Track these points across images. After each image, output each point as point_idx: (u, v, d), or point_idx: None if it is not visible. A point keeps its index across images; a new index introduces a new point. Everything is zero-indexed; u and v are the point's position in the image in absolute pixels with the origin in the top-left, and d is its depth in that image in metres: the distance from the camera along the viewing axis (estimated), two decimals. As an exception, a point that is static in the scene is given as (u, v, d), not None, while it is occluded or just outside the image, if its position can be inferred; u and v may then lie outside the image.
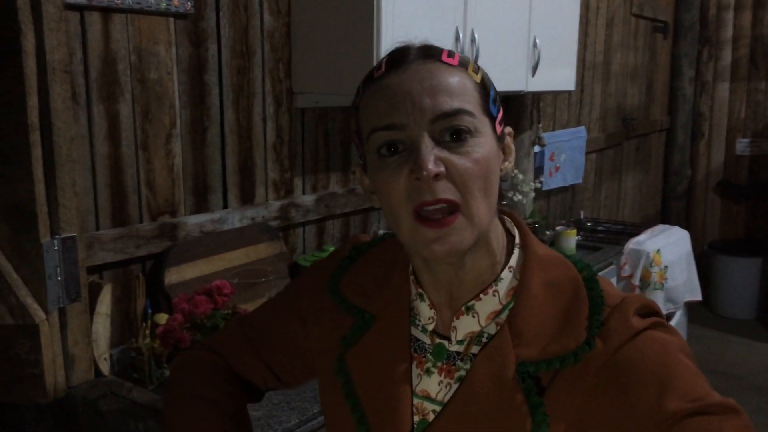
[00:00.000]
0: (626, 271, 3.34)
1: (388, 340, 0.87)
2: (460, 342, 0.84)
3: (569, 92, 3.88)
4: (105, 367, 1.05)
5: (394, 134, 0.77)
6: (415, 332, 0.87)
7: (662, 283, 3.36)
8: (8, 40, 0.90)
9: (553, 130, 3.80)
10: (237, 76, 2.09)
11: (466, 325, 0.83)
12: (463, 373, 0.82)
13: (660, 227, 3.73)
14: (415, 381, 0.85)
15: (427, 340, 0.86)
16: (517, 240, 0.87)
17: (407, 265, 0.90)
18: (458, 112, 0.76)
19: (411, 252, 0.85)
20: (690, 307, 4.53)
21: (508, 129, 0.86)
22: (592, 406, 0.75)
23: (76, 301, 1.03)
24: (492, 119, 0.82)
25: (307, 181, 2.37)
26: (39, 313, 0.97)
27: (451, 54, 0.81)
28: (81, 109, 1.70)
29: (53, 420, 1.06)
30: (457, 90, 0.78)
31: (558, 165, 3.76)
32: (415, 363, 0.86)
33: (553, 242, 3.07)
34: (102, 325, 1.05)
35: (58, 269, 0.99)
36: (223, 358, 0.97)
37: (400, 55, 0.81)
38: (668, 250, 3.45)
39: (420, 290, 0.87)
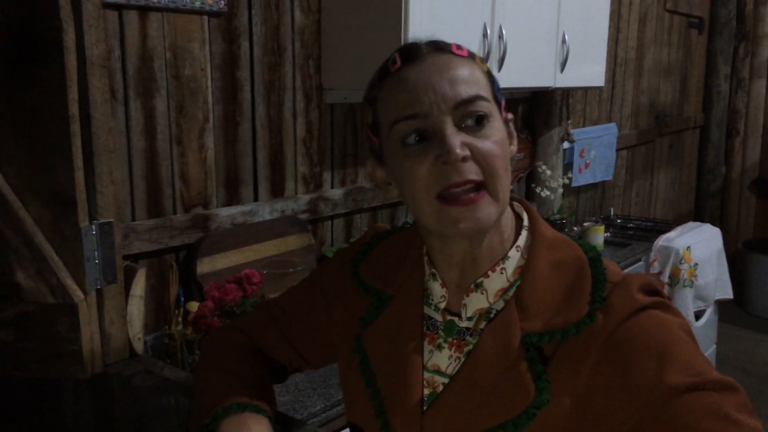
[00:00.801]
0: (655, 268, 3.33)
1: (402, 318, 0.92)
2: (470, 318, 0.88)
3: (600, 88, 3.87)
4: (139, 347, 1.11)
5: (418, 123, 0.81)
6: (428, 311, 0.92)
7: (692, 281, 3.34)
8: (50, 37, 0.96)
9: (584, 126, 3.79)
10: (268, 73, 2.14)
11: (475, 302, 0.88)
12: (471, 347, 0.87)
13: (691, 224, 3.70)
14: (426, 356, 0.90)
15: (438, 317, 0.91)
16: (525, 222, 0.91)
17: (421, 247, 0.95)
18: (476, 99, 0.82)
19: (431, 232, 0.89)
20: (722, 305, 4.49)
21: (510, 115, 0.91)
22: (595, 380, 0.79)
23: (113, 283, 1.09)
24: (499, 106, 0.87)
25: (335, 176, 2.42)
26: (78, 294, 1.03)
27: (459, 47, 0.87)
28: (119, 105, 1.78)
29: (90, 394, 1.13)
30: (472, 78, 0.83)
31: (588, 161, 3.76)
32: (427, 340, 0.90)
33: (581, 238, 3.07)
34: (136, 307, 1.11)
35: (96, 253, 1.05)
36: (251, 337, 1.03)
37: (414, 50, 0.86)
38: (698, 247, 3.43)
39: (433, 270, 0.91)
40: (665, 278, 3.31)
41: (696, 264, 3.39)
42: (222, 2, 1.97)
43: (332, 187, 2.41)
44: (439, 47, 0.86)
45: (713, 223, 5.13)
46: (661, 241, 3.35)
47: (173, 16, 1.88)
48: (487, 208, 0.80)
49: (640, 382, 0.76)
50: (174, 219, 1.92)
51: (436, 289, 0.91)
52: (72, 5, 0.97)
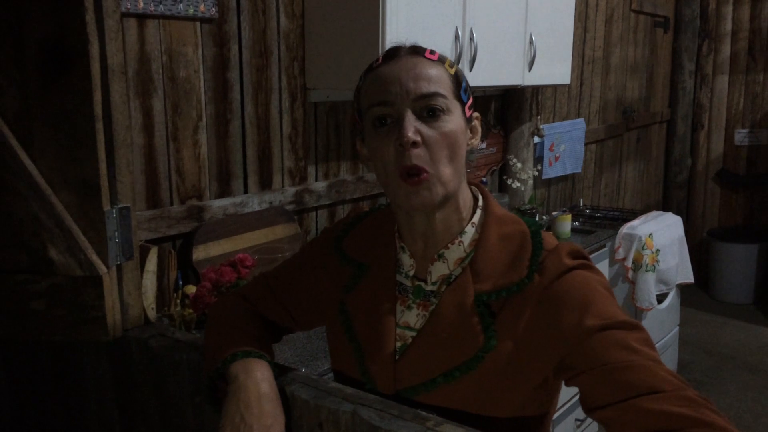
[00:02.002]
0: (620, 254, 3.54)
1: (379, 285, 1.10)
2: (434, 283, 1.07)
3: (568, 85, 4.08)
4: (152, 315, 1.28)
5: (385, 109, 1.00)
6: (400, 278, 1.10)
7: (654, 265, 3.55)
8: (78, 49, 1.12)
9: (554, 121, 4.00)
10: (256, 74, 2.31)
11: (438, 270, 1.06)
12: (434, 306, 1.05)
13: (654, 213, 3.91)
14: (399, 315, 1.08)
15: (408, 283, 1.09)
16: (480, 203, 1.09)
17: (393, 225, 1.13)
18: (435, 95, 1.00)
19: (399, 208, 1.06)
20: (688, 291, 4.72)
21: (476, 114, 1.10)
22: (531, 327, 0.98)
23: (130, 259, 1.25)
24: (462, 104, 1.05)
25: (319, 169, 2.59)
26: (102, 268, 1.19)
27: (432, 52, 1.06)
28: (120, 104, 1.94)
29: (108, 358, 1.30)
30: (435, 78, 1.01)
31: (557, 155, 3.96)
32: (399, 301, 1.09)
33: (550, 226, 3.27)
34: (150, 281, 1.28)
35: (116, 233, 1.21)
36: (251, 303, 1.20)
37: (394, 51, 1.06)
38: (660, 234, 3.64)
39: (402, 243, 1.10)
40: (629, 263, 3.51)
41: (658, 250, 3.60)
42: (213, 9, 2.13)
43: (316, 180, 2.59)
44: (415, 51, 1.05)
45: (680, 213, 5.38)
46: (625, 228, 3.56)
47: (169, 23, 2.04)
48: (431, 188, 0.98)
49: (565, 327, 0.95)
50: (171, 210, 2.09)
51: (406, 259, 1.09)
52: (96, 21, 1.14)
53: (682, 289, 4.13)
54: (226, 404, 0.97)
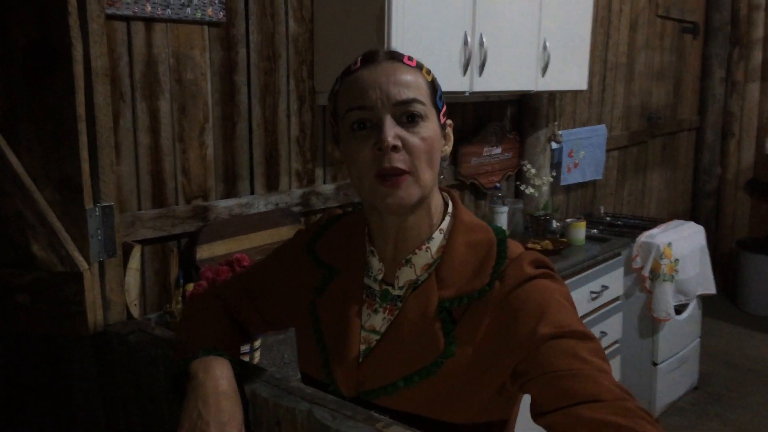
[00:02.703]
0: (637, 263, 3.50)
1: (347, 288, 1.11)
2: (401, 288, 1.07)
3: (589, 91, 4.04)
4: (135, 311, 1.31)
5: (364, 113, 1.00)
6: (368, 281, 1.11)
7: (672, 275, 3.50)
8: (62, 51, 1.16)
9: (573, 127, 3.97)
10: (264, 77, 2.35)
11: (405, 275, 1.07)
12: (398, 311, 1.06)
13: (675, 222, 3.86)
14: (365, 319, 1.09)
15: (376, 287, 1.10)
16: (449, 209, 1.09)
17: (365, 228, 1.13)
18: (414, 101, 1.01)
19: (369, 209, 1.07)
20: (715, 303, 4.62)
21: (449, 121, 1.10)
22: (489, 334, 0.99)
23: (113, 256, 1.28)
24: (438, 111, 1.06)
25: (327, 172, 2.61)
26: (83, 264, 1.23)
27: (410, 58, 1.07)
28: (126, 106, 1.99)
29: (93, 351, 1.33)
30: (414, 84, 1.02)
31: (576, 161, 3.93)
32: (366, 305, 1.10)
33: (564, 233, 3.25)
34: (133, 278, 1.31)
35: (99, 231, 1.24)
36: (224, 302, 1.23)
37: (372, 56, 1.06)
38: (680, 244, 3.58)
39: (372, 247, 1.10)
40: (646, 272, 3.47)
41: (677, 259, 3.54)
42: (221, 13, 2.17)
43: (324, 183, 2.61)
44: (393, 56, 1.06)
45: (708, 223, 5.28)
46: (643, 237, 3.52)
47: (176, 26, 2.08)
48: (408, 189, 0.99)
49: (520, 334, 0.96)
50: (176, 209, 2.13)
51: (375, 263, 1.10)
52: (80, 26, 1.17)
53: (706, 300, 4.05)
54: (185, 401, 0.99)
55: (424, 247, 1.06)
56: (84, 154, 1.22)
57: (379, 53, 1.06)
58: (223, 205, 2.26)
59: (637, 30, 4.44)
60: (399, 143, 0.98)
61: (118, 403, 1.32)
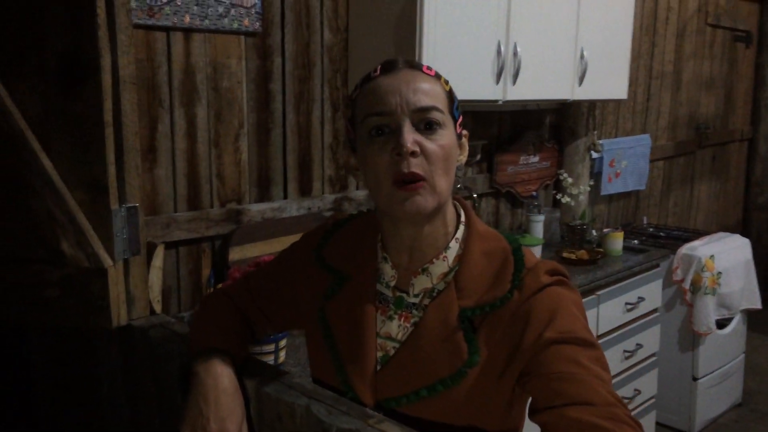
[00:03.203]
0: (678, 275, 3.43)
1: (359, 294, 1.12)
2: (416, 296, 1.09)
3: (633, 100, 3.99)
4: (157, 308, 1.38)
5: (383, 119, 1.02)
6: (380, 288, 1.12)
7: (714, 288, 3.42)
8: (91, 61, 1.24)
9: (616, 136, 3.92)
10: (298, 85, 2.41)
11: (421, 283, 1.09)
12: (417, 319, 1.08)
13: (719, 234, 3.77)
14: (379, 325, 1.10)
15: (389, 293, 1.11)
16: (462, 218, 1.12)
17: (376, 234, 1.15)
18: (433, 108, 1.03)
19: (384, 216, 1.10)
20: (762, 317, 4.49)
21: (465, 132, 1.13)
22: (504, 340, 1.01)
23: (137, 255, 1.36)
24: (454, 121, 1.09)
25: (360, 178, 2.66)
26: (108, 261, 1.30)
27: (429, 68, 1.09)
28: (165, 112, 2.08)
29: (118, 344, 1.41)
30: (433, 93, 1.05)
31: (618, 171, 3.88)
32: (379, 311, 1.11)
33: (600, 243, 3.22)
34: (156, 275, 1.38)
35: (124, 230, 1.32)
36: (233, 301, 1.27)
37: (392, 64, 1.08)
38: (723, 257, 3.50)
39: (385, 254, 1.13)
40: (687, 285, 3.40)
41: (719, 273, 3.46)
42: (257, 23, 2.25)
43: (357, 189, 2.66)
44: (412, 65, 1.08)
45: (760, 236, 5.13)
46: (684, 249, 3.45)
47: (214, 36, 2.17)
48: (426, 196, 1.01)
49: (529, 339, 0.99)
50: (210, 212, 2.21)
51: (388, 270, 1.12)
52: (109, 37, 1.25)
53: (752, 315, 3.94)
54: (188, 397, 1.05)
55: (441, 257, 1.08)
56: (111, 157, 1.29)
57: (398, 62, 1.07)
58: (256, 209, 2.33)
59: (685, 38, 4.37)
60: (417, 149, 1.00)
61: (141, 396, 1.39)
